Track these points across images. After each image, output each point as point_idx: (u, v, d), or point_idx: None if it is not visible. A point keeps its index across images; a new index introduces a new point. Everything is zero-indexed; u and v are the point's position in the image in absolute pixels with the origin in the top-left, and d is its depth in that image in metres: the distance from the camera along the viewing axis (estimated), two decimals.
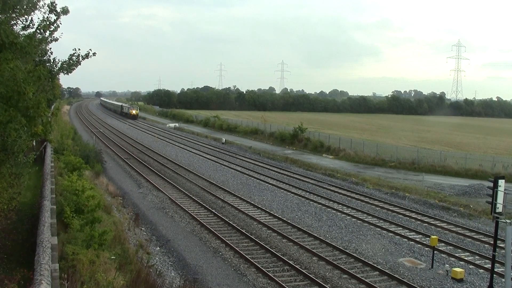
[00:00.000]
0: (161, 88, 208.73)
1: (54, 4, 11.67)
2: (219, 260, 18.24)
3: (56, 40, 12.77)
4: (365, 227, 23.80)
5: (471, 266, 18.70)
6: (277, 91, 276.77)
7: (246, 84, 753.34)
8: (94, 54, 12.30)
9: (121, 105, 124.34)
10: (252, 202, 27.89)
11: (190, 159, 44.85)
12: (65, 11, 11.86)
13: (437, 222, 25.31)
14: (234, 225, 22.75)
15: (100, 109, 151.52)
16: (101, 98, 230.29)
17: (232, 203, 27.34)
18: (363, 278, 16.64)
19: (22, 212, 16.37)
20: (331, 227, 23.74)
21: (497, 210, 14.55)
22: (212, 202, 27.85)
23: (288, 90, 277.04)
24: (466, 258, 19.46)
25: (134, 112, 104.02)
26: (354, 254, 19.38)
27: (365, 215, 26.24)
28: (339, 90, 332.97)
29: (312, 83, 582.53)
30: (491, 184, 14.76)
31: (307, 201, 29.12)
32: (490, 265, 16.03)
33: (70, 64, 12.10)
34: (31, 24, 12.07)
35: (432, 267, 18.44)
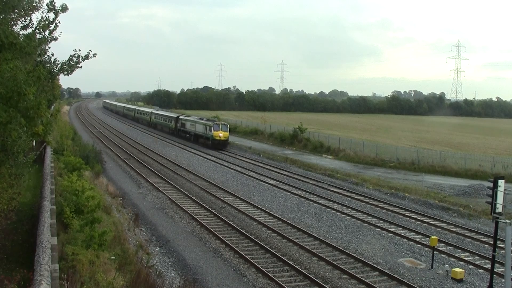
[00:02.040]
0: (161, 89, 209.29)
1: (53, 3, 11.66)
2: (219, 260, 18.24)
3: (55, 39, 12.75)
4: (365, 228, 23.80)
5: (471, 266, 18.71)
6: (277, 91, 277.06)
7: (245, 84, 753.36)
8: (94, 55, 12.28)
9: (177, 117, 68.35)
10: (252, 203, 27.88)
11: (189, 160, 44.84)
12: (64, 8, 11.84)
13: (437, 222, 25.32)
14: (234, 225, 22.74)
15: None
16: (103, 100, 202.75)
17: (232, 204, 27.33)
18: (363, 278, 16.64)
19: (22, 213, 16.36)
20: (331, 227, 23.74)
21: (497, 210, 14.57)
22: (212, 202, 27.84)
23: (288, 91, 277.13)
24: (466, 258, 19.47)
25: (221, 135, 53.70)
26: (354, 255, 19.38)
27: (365, 215, 26.24)
28: (339, 91, 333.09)
29: (312, 83, 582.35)
30: (491, 184, 14.78)
31: (307, 201, 29.12)
32: (490, 265, 16.03)
33: (71, 65, 12.08)
34: (30, 24, 12.06)
35: (432, 267, 18.45)
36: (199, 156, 47.47)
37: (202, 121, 58.29)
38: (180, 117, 67.97)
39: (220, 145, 53.24)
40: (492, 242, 17.44)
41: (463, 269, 17.84)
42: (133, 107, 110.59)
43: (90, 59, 12.29)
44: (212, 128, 53.76)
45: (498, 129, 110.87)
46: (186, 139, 62.01)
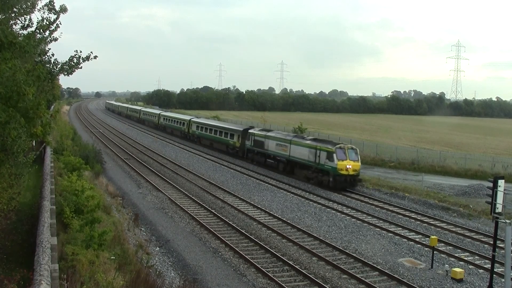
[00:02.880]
0: (161, 88, 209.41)
1: (52, 3, 11.67)
2: (219, 260, 18.23)
3: (55, 40, 12.77)
4: (365, 227, 23.80)
5: (470, 266, 18.70)
6: (277, 91, 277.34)
7: (245, 84, 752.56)
8: (95, 57, 12.28)
9: (245, 131, 45.66)
10: (251, 202, 27.88)
11: (189, 160, 44.82)
12: (63, 9, 11.86)
13: (436, 222, 25.32)
14: (233, 225, 22.74)
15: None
16: (106, 101, 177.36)
17: (231, 203, 27.33)
18: (362, 278, 16.64)
19: (22, 213, 16.36)
20: (331, 227, 23.74)
21: (497, 210, 14.59)
22: (211, 202, 27.83)
23: (288, 90, 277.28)
24: (465, 258, 19.47)
25: (349, 167, 31.94)
26: (353, 254, 19.38)
27: (365, 215, 26.25)
28: (338, 90, 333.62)
29: (312, 83, 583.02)
30: (491, 184, 14.80)
31: (306, 201, 29.12)
32: (489, 265, 16.04)
33: (71, 66, 12.09)
34: (30, 24, 12.06)
35: (431, 267, 18.45)
36: (198, 156, 47.41)
37: (306, 142, 35.63)
38: (251, 131, 44.01)
39: (347, 184, 32.38)
40: (492, 242, 17.44)
41: (463, 269, 17.83)
42: (157, 111, 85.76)
43: (90, 60, 12.29)
44: (334, 155, 31.80)
45: (498, 129, 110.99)
46: (262, 164, 41.09)
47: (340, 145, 33.41)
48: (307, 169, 35.08)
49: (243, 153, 45.26)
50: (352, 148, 33.33)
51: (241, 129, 47.43)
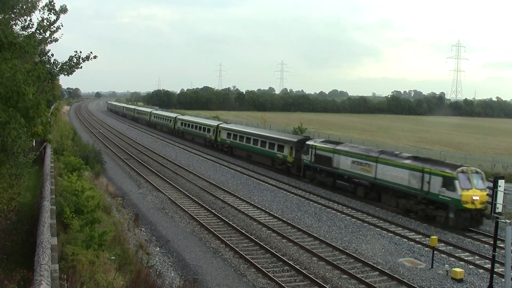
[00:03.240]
0: (161, 89, 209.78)
1: (52, 4, 11.67)
2: (219, 260, 18.23)
3: (56, 40, 12.78)
4: (365, 227, 23.80)
5: (471, 266, 18.71)
6: (277, 91, 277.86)
7: (245, 84, 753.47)
8: (95, 57, 12.29)
9: (299, 142, 37.02)
10: (252, 203, 27.87)
11: (189, 160, 44.80)
12: (63, 9, 11.88)
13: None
14: (234, 225, 22.73)
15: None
16: (109, 102, 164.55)
17: (232, 204, 27.32)
18: (363, 278, 16.64)
19: (22, 213, 16.33)
20: (331, 227, 23.73)
21: (497, 210, 14.59)
22: (212, 202, 27.83)
23: (288, 90, 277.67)
24: (466, 258, 19.47)
25: (477, 198, 23.01)
26: (354, 254, 19.38)
27: (365, 215, 26.24)
28: (338, 90, 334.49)
29: (312, 83, 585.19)
30: (491, 184, 14.80)
31: (306, 201, 29.11)
32: (490, 265, 16.04)
33: (71, 66, 12.10)
34: (30, 24, 12.07)
35: (432, 267, 18.45)
36: (198, 156, 47.35)
37: (404, 161, 26.91)
38: (311, 143, 35.52)
39: (473, 221, 23.87)
40: (492, 242, 17.44)
41: (463, 269, 17.84)
42: (172, 114, 73.15)
43: (90, 60, 12.31)
44: (456, 182, 23.50)
45: (498, 129, 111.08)
46: (329, 187, 33.07)
47: (462, 168, 24.56)
48: (407, 198, 26.49)
49: (298, 170, 36.70)
50: (476, 172, 24.57)
51: (295, 140, 38.43)
